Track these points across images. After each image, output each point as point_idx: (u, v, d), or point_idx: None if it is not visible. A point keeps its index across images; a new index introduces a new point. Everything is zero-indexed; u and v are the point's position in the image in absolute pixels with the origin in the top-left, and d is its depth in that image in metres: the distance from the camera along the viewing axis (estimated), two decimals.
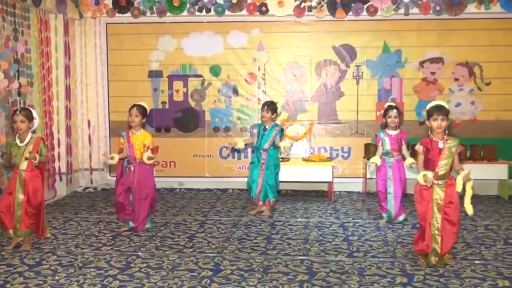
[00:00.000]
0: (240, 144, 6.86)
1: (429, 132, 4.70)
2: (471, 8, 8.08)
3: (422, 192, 4.69)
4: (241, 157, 8.70)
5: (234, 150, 8.27)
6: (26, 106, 6.36)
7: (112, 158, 5.87)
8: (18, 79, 7.23)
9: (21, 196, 5.18)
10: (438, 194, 4.62)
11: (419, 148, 4.71)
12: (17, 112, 5.19)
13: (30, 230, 5.30)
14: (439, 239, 4.61)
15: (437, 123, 4.58)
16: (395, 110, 6.28)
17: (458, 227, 4.72)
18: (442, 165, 4.59)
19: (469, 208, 4.57)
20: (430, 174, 4.54)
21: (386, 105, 6.45)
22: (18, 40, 7.25)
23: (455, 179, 4.57)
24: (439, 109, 4.60)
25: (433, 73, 8.48)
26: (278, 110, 6.98)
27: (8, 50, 7.00)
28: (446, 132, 4.65)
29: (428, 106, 4.72)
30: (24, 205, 5.18)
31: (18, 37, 7.24)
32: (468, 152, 7.88)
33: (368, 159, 7.18)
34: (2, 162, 5.34)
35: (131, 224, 5.98)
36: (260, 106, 7.17)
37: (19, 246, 5.26)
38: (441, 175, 4.60)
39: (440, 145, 4.60)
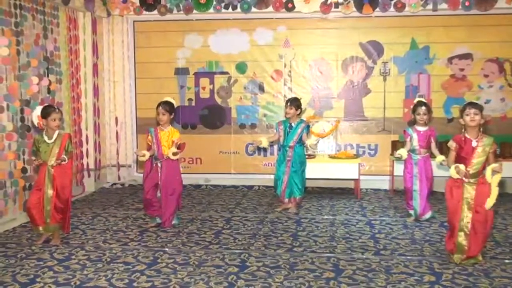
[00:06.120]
0: (265, 143, 6.88)
1: (463, 130, 4.63)
2: (502, 3, 7.92)
3: (453, 190, 4.64)
4: (267, 154, 8.70)
5: (259, 148, 8.26)
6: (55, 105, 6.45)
7: (143, 155, 5.91)
8: (48, 76, 7.34)
9: (50, 192, 5.25)
10: (469, 192, 4.56)
11: (451, 144, 4.65)
12: (57, 110, 5.28)
13: (60, 224, 5.39)
14: (466, 237, 4.57)
15: (470, 116, 4.51)
16: (424, 107, 6.18)
17: (489, 228, 4.66)
18: (474, 164, 4.52)
19: (489, 202, 4.46)
20: (462, 166, 4.49)
21: (415, 101, 6.35)
22: (47, 38, 7.35)
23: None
24: (471, 104, 4.58)
25: (462, 70, 8.35)
26: (304, 107, 6.95)
27: (38, 48, 7.11)
28: (481, 130, 4.59)
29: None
30: (53, 200, 5.26)
31: (47, 35, 7.35)
32: (498, 149, 7.73)
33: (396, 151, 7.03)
34: (34, 160, 5.40)
35: (158, 220, 6.03)
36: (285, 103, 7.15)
37: (49, 241, 5.35)
38: (472, 174, 4.53)
39: (474, 143, 4.54)
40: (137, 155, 6.19)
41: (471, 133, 4.57)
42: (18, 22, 6.65)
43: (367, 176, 8.35)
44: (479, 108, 4.55)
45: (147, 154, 5.91)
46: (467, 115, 4.54)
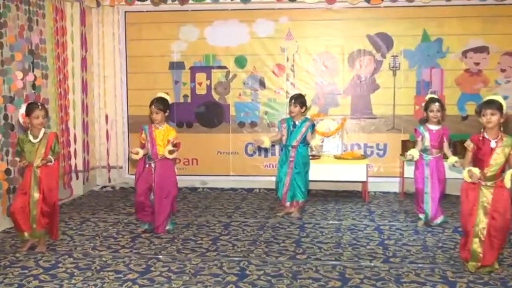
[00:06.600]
0: (267, 143, 6.85)
1: (482, 129, 4.61)
2: None
3: (468, 193, 4.63)
4: (268, 154, 8.69)
5: (260, 148, 8.25)
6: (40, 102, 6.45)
7: (136, 152, 5.87)
8: (33, 71, 7.32)
9: (36, 195, 5.24)
10: (485, 196, 4.55)
11: (468, 144, 4.64)
12: (40, 106, 5.26)
13: (46, 230, 5.39)
14: (481, 244, 4.56)
15: (486, 118, 4.49)
16: (437, 104, 6.16)
17: (506, 234, 4.65)
18: (492, 166, 4.51)
19: None
20: (476, 170, 4.47)
21: (427, 98, 6.34)
22: (32, 30, 7.33)
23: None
24: (488, 103, 4.53)
25: (477, 64, 8.34)
26: (308, 104, 6.93)
27: (22, 41, 7.09)
28: (501, 129, 4.57)
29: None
30: (40, 204, 5.25)
31: (32, 27, 7.33)
32: None
33: (406, 151, 7.06)
34: (19, 161, 5.38)
35: (148, 225, 6.03)
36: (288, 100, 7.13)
37: (34, 248, 5.34)
38: (489, 176, 4.52)
39: (492, 144, 4.52)
40: (129, 153, 6.16)
41: (490, 132, 4.55)
42: (1, 13, 6.63)
43: (375, 178, 8.33)
44: (497, 107, 4.49)
45: (141, 152, 5.88)
46: (483, 115, 4.51)
